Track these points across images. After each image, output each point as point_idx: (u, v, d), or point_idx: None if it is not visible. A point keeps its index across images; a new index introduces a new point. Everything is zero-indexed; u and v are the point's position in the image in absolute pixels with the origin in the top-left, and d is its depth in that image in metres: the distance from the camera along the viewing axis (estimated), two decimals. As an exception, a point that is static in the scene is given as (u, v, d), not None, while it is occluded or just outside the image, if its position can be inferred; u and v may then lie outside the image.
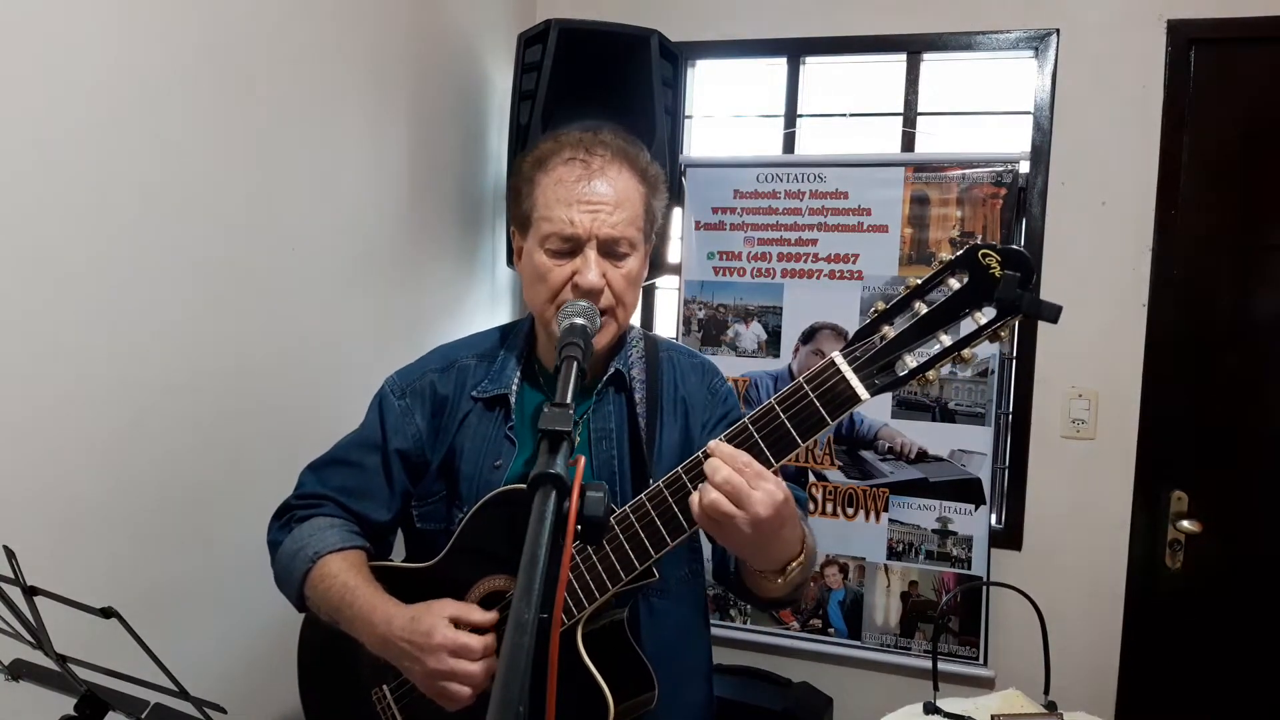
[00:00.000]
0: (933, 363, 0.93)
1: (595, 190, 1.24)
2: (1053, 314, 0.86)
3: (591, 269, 1.23)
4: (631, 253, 1.28)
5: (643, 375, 1.37)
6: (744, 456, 1.01)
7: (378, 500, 1.38)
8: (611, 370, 1.35)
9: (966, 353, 0.90)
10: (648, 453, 1.31)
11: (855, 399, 0.99)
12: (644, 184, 1.31)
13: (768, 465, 1.04)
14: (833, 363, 1.00)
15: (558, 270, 1.25)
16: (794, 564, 1.12)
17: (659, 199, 1.34)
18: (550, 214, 1.25)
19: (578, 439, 1.32)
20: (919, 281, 0.93)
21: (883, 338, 0.96)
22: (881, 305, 0.96)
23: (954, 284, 0.91)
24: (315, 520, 1.35)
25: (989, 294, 0.89)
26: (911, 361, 0.94)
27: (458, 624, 1.16)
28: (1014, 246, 0.89)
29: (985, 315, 0.90)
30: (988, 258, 0.88)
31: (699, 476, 1.03)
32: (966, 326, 0.91)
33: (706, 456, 1.03)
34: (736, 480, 0.99)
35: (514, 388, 1.35)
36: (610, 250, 1.25)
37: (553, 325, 1.23)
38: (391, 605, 1.22)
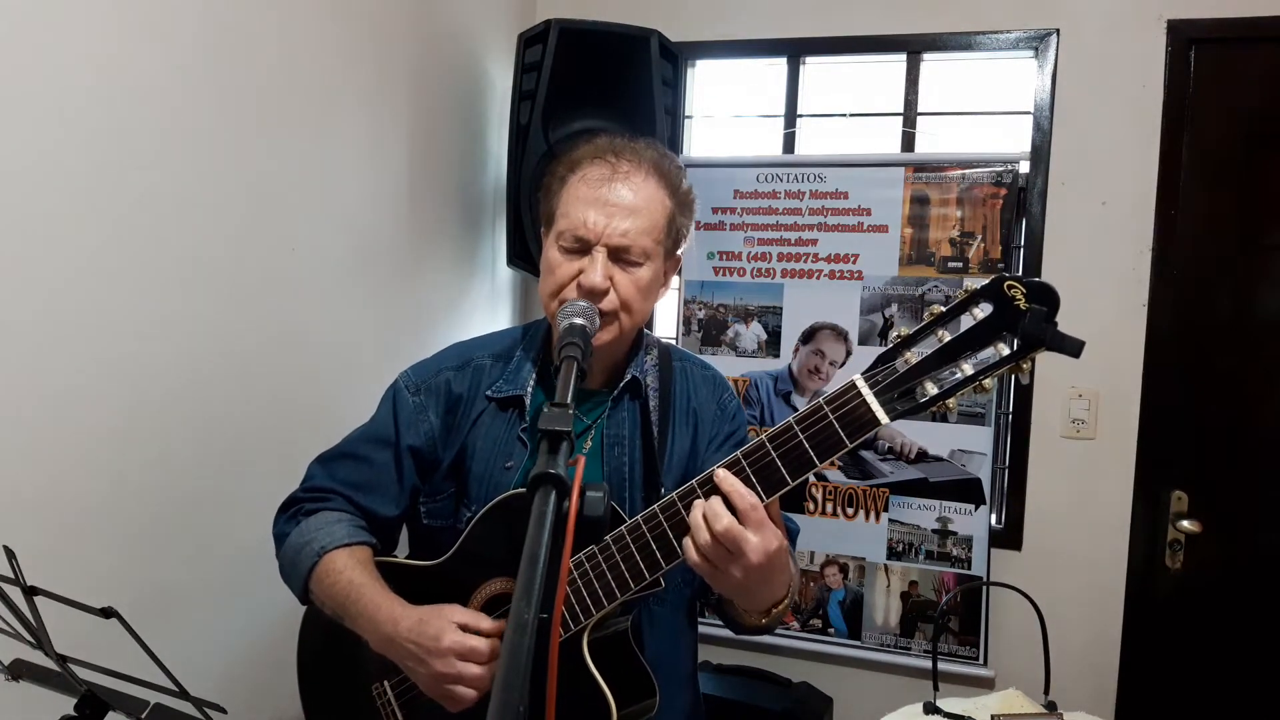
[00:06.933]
0: (953, 390, 0.93)
1: (615, 193, 1.24)
2: (1075, 348, 0.86)
3: (597, 270, 1.22)
4: (644, 262, 1.26)
5: (656, 384, 1.37)
6: (751, 498, 1.02)
7: (386, 496, 1.37)
8: (628, 378, 1.35)
9: (988, 382, 0.90)
10: (659, 461, 1.31)
11: (875, 422, 0.99)
12: (671, 198, 1.30)
13: (783, 484, 1.04)
14: (854, 385, 1.00)
15: (566, 266, 1.25)
16: (779, 607, 1.15)
17: (686, 216, 1.33)
18: (568, 210, 1.26)
19: (590, 442, 1.33)
20: (943, 310, 0.93)
21: (905, 363, 0.96)
22: (905, 331, 0.97)
23: (978, 313, 0.91)
24: (322, 514, 1.34)
25: (1013, 326, 0.89)
26: (932, 388, 0.94)
27: (465, 630, 1.16)
28: (1040, 280, 0.89)
29: (1008, 347, 0.90)
30: (1013, 289, 0.88)
31: (711, 491, 1.04)
32: (989, 357, 0.91)
33: (710, 485, 1.05)
34: (736, 530, 1.00)
35: (529, 389, 1.35)
36: (620, 256, 1.25)
37: (556, 321, 1.22)
38: (398, 606, 1.21)
